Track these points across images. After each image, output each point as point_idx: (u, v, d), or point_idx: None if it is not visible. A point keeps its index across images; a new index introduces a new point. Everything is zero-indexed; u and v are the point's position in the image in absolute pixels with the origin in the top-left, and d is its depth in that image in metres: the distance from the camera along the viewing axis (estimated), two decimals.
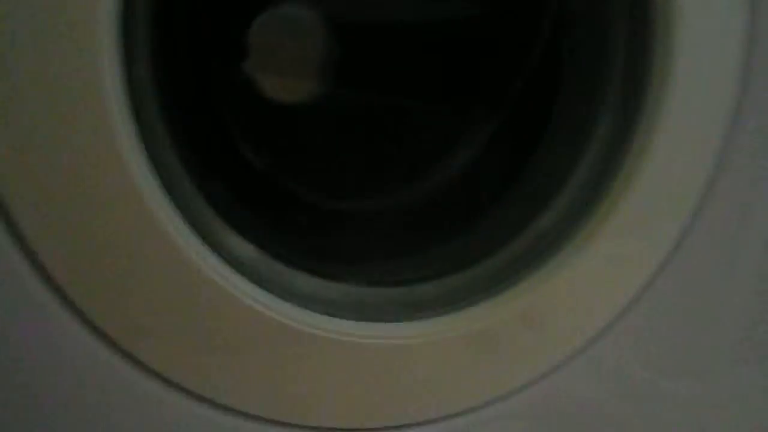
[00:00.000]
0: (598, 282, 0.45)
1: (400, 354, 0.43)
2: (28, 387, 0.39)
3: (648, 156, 0.43)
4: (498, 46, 0.53)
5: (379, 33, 0.55)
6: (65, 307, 0.38)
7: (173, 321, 0.39)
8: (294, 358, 0.41)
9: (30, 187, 0.36)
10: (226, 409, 0.41)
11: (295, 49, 0.55)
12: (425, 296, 0.46)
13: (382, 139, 0.55)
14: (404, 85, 0.55)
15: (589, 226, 0.44)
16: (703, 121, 0.44)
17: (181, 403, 0.41)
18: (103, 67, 0.35)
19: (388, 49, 0.55)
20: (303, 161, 0.54)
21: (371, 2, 0.55)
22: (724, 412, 0.50)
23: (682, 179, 0.45)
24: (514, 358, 0.45)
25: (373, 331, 0.43)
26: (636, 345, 0.47)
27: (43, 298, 0.38)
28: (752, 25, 0.42)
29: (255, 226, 0.45)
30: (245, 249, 0.41)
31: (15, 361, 0.39)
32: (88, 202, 0.37)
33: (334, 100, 0.55)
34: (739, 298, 0.48)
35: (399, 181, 0.54)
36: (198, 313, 0.39)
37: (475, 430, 0.45)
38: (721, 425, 0.51)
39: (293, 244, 0.46)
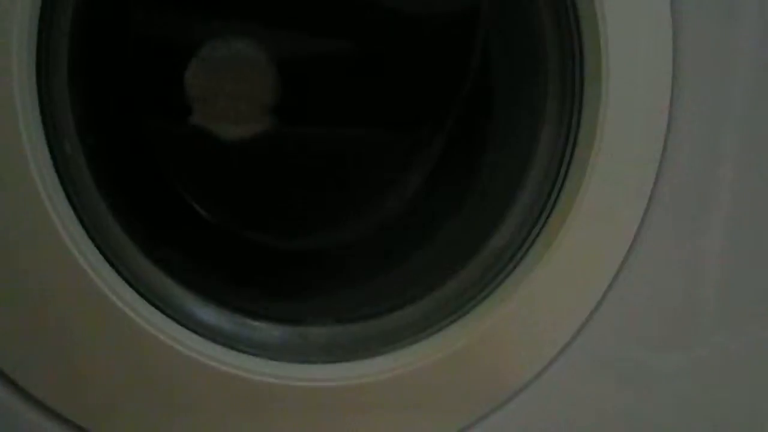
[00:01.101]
0: (562, 288, 0.45)
1: (380, 390, 0.43)
2: None
3: (592, 162, 0.43)
4: (432, 69, 0.53)
5: (317, 66, 0.54)
6: (18, 395, 0.37)
7: (137, 395, 0.38)
8: (274, 414, 0.40)
9: None
10: None
11: (231, 90, 0.55)
12: (393, 327, 0.46)
13: (330, 173, 0.55)
14: (345, 116, 0.54)
15: (543, 238, 0.44)
16: (643, 117, 0.44)
17: None
18: (26, 148, 0.34)
19: (327, 82, 0.54)
20: (251, 204, 0.53)
21: (306, 36, 0.54)
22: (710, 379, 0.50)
23: (633, 172, 0.45)
24: (492, 372, 0.45)
25: (347, 372, 0.42)
26: (612, 339, 0.47)
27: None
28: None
29: (210, 281, 0.44)
30: (205, 311, 0.41)
31: None
32: (31, 289, 0.36)
33: (278, 138, 0.55)
34: (702, 284, 0.48)
35: (351, 213, 0.54)
36: (162, 381, 0.39)
37: None
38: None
39: (251, 294, 0.46)
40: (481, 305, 0.45)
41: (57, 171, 0.36)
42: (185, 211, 0.52)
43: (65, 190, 0.36)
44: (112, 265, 0.38)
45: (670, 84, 0.44)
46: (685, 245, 0.47)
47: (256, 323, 0.43)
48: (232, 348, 0.40)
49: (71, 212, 0.36)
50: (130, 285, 0.38)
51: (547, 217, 0.45)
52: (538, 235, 0.44)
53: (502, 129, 0.51)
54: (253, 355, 0.41)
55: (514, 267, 0.45)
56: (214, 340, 0.40)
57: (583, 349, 0.46)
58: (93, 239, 0.37)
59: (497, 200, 0.47)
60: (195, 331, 0.40)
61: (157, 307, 0.39)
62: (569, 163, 0.44)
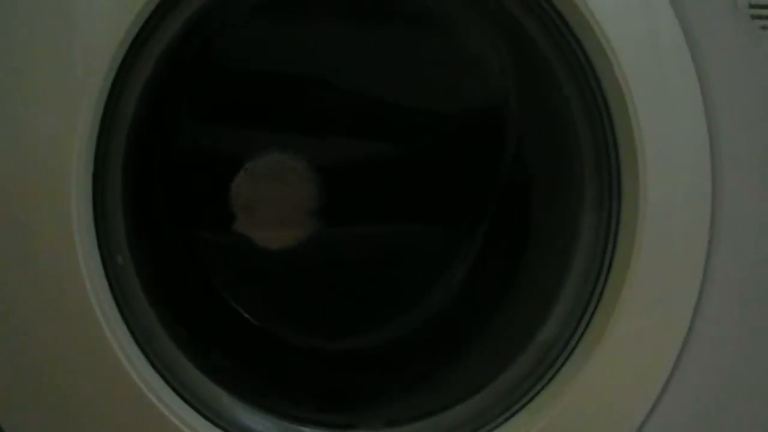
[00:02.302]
0: (618, 378, 0.43)
1: None
2: None
3: (637, 250, 0.42)
4: (468, 165, 0.54)
5: (357, 170, 0.56)
6: None
7: None
8: None
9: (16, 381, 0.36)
10: None
11: (275, 198, 0.56)
12: (446, 427, 0.45)
13: (374, 272, 0.55)
14: (387, 215, 0.55)
15: (594, 328, 0.43)
16: (686, 196, 0.44)
17: None
18: (80, 261, 0.36)
19: (368, 184, 0.56)
20: (298, 308, 0.54)
21: (344, 142, 0.56)
22: None
23: (681, 252, 0.44)
24: None
25: None
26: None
27: None
28: None
29: (259, 387, 0.44)
30: (254, 418, 0.40)
31: None
32: (80, 396, 0.36)
33: (322, 241, 0.56)
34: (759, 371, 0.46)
35: (396, 311, 0.54)
36: None
37: None
38: None
39: (300, 399, 0.45)
40: (535, 401, 0.43)
41: (109, 281, 0.37)
42: (232, 316, 0.53)
43: (116, 300, 0.37)
44: (160, 374, 0.38)
45: (710, 159, 0.43)
46: (744, 321, 0.45)
47: (306, 429, 0.42)
48: None
49: (122, 322, 0.37)
50: (178, 394, 0.38)
51: (596, 306, 0.43)
52: (588, 324, 0.43)
53: (543, 220, 0.51)
54: None
55: (566, 360, 0.43)
56: None
57: None
58: (142, 348, 0.38)
59: (543, 291, 0.47)
60: None
61: (205, 416, 0.38)
62: (614, 250, 0.44)
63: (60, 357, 0.36)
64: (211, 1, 0.39)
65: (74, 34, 0.35)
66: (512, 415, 0.43)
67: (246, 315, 0.53)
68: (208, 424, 0.38)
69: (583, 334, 0.43)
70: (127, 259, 0.38)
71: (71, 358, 0.36)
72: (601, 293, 0.43)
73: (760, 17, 0.44)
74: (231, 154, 0.55)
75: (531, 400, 0.43)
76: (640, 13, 0.43)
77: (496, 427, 0.43)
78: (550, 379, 0.43)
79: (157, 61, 0.38)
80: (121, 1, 0.35)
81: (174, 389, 0.38)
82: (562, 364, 0.43)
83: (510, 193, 0.53)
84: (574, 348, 0.43)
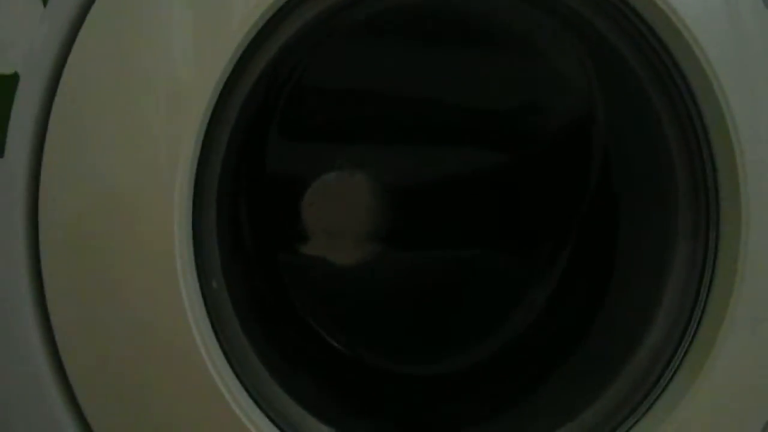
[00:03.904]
0: (721, 411, 0.41)
1: None
2: None
3: (739, 279, 0.40)
4: (549, 186, 0.53)
5: (440, 192, 0.56)
6: None
7: None
8: None
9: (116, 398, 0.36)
10: None
11: (355, 219, 0.56)
12: None
13: (452, 295, 0.54)
14: (465, 237, 0.55)
15: (693, 356, 0.41)
16: None
17: None
18: (182, 286, 0.36)
19: (442, 204, 0.55)
20: (377, 330, 0.53)
21: (423, 164, 0.56)
22: None
23: None
24: None
25: None
26: None
27: None
28: None
29: (341, 411, 0.43)
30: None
31: None
32: (172, 411, 0.37)
33: (398, 264, 0.55)
34: None
35: (476, 336, 0.53)
36: None
37: None
38: None
39: (377, 423, 0.45)
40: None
41: (205, 305, 0.37)
42: (314, 338, 0.53)
43: (211, 322, 0.37)
44: (251, 395, 0.38)
45: None
46: None
47: None
48: None
49: (216, 343, 0.37)
50: (266, 414, 0.38)
51: (693, 335, 0.42)
52: (685, 354, 0.42)
53: (629, 243, 0.49)
54: None
55: (662, 390, 0.42)
56: None
57: None
58: (234, 369, 0.38)
59: (635, 315, 0.45)
60: None
61: None
62: (712, 275, 0.42)
63: (155, 375, 0.37)
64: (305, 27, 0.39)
65: (174, 69, 0.35)
66: None
67: (325, 336, 0.53)
68: None
69: (680, 363, 0.41)
70: (221, 283, 0.39)
71: (167, 377, 0.37)
72: (700, 319, 0.41)
73: None
74: (308, 173, 0.56)
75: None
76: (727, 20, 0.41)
77: None
78: (647, 410, 0.41)
79: (254, 85, 0.38)
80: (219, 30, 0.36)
81: (261, 409, 0.38)
82: (659, 396, 0.41)
83: (595, 214, 0.51)
84: (672, 376, 0.41)
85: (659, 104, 0.42)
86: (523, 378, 0.50)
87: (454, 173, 0.56)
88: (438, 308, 0.54)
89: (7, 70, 0.34)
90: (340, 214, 0.57)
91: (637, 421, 0.42)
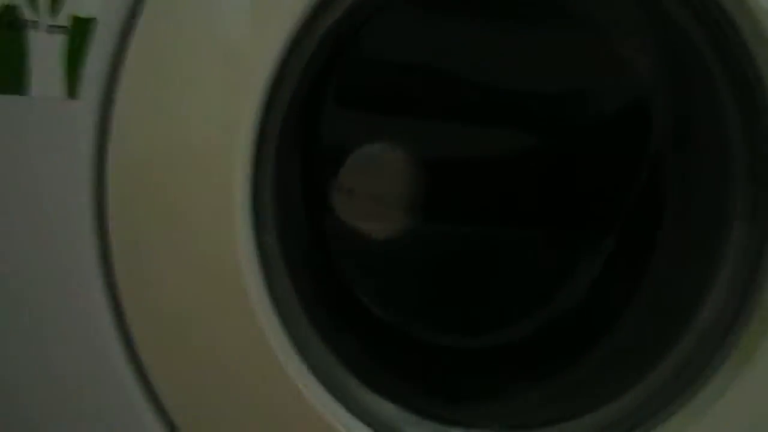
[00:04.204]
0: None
1: None
2: None
3: None
4: (597, 166, 0.53)
5: (469, 166, 0.56)
6: None
7: None
8: None
9: (175, 363, 0.37)
10: None
11: (388, 188, 0.57)
12: None
13: (500, 271, 0.54)
14: (507, 215, 0.55)
15: (738, 350, 0.41)
16: None
17: None
18: (237, 235, 0.37)
19: (481, 181, 0.55)
20: (421, 302, 0.54)
21: (477, 139, 0.56)
22: None
23: None
24: None
25: None
26: None
27: None
28: None
29: (385, 379, 0.44)
30: (384, 407, 0.40)
31: None
32: (226, 370, 0.37)
33: (447, 237, 0.55)
34: None
35: (518, 312, 0.53)
36: None
37: None
38: None
39: (422, 393, 0.45)
40: (666, 424, 0.41)
41: (260, 262, 0.38)
42: (357, 305, 0.53)
43: (265, 276, 0.38)
44: (300, 354, 0.39)
45: None
46: None
47: (433, 424, 0.42)
48: None
49: (268, 299, 0.38)
50: (313, 373, 0.39)
51: (746, 322, 0.41)
52: (733, 345, 0.41)
53: (677, 228, 0.49)
54: None
55: (706, 381, 0.41)
56: None
57: None
58: (285, 327, 0.38)
59: (681, 301, 0.45)
60: (370, 426, 0.39)
61: (339, 400, 0.39)
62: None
63: (206, 324, 0.37)
64: None
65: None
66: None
67: (370, 306, 0.53)
68: (341, 409, 0.39)
69: (728, 354, 0.41)
70: (274, 238, 0.39)
71: (218, 323, 0.37)
72: (751, 309, 0.41)
73: None
74: (353, 143, 0.56)
75: (662, 422, 0.42)
76: None
77: None
78: (687, 401, 0.41)
79: (317, 47, 0.39)
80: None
81: (309, 367, 0.39)
82: (701, 386, 0.41)
83: (646, 197, 0.51)
84: (718, 366, 0.41)
85: (722, 86, 0.42)
86: (564, 356, 0.49)
87: (504, 152, 0.56)
88: (481, 285, 0.54)
89: (86, 14, 0.35)
90: (383, 186, 0.57)
91: (676, 411, 0.42)
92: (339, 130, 0.55)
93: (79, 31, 0.35)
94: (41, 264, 0.36)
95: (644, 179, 0.51)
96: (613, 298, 0.51)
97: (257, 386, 0.37)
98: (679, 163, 0.50)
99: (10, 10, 0.35)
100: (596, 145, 0.54)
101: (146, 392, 0.37)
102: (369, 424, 0.40)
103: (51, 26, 0.35)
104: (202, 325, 0.37)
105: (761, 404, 0.40)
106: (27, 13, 0.35)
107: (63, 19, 0.35)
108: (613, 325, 0.49)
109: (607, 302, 0.52)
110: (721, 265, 0.43)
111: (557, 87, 0.54)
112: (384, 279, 0.55)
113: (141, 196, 0.35)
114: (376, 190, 0.57)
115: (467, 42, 0.53)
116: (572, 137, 0.55)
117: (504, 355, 0.52)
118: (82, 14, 0.35)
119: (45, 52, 0.35)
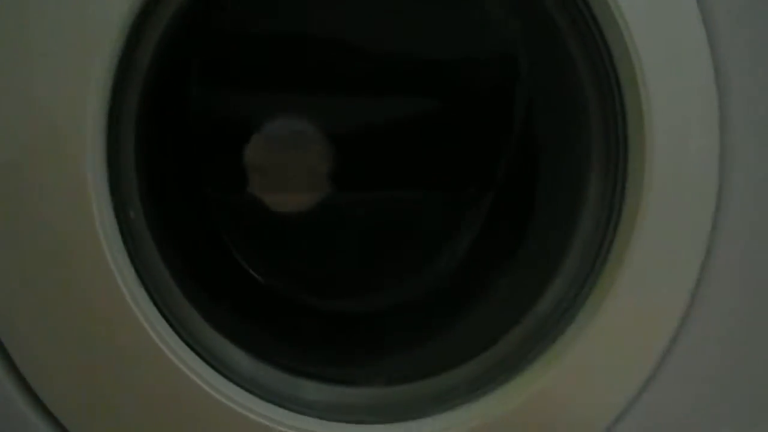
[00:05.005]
0: (617, 347, 0.44)
1: None
2: None
3: (642, 216, 0.42)
4: (476, 130, 0.55)
5: (366, 133, 0.57)
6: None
7: None
8: None
9: (34, 332, 0.37)
10: None
11: (287, 161, 0.57)
12: (444, 388, 0.46)
13: (380, 236, 0.56)
14: (395, 180, 0.56)
15: (594, 296, 0.44)
16: (694, 164, 0.43)
17: None
18: (94, 214, 0.37)
19: (378, 149, 0.56)
20: (305, 269, 0.55)
21: (351, 106, 0.57)
22: None
23: (686, 220, 0.44)
24: None
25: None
26: (673, 406, 0.45)
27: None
28: None
29: (259, 341, 0.45)
30: (257, 370, 0.41)
31: None
32: (95, 344, 0.38)
33: (330, 205, 0.57)
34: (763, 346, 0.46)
35: (400, 276, 0.55)
36: None
37: None
38: None
39: (300, 354, 0.47)
40: (533, 366, 0.44)
41: (122, 235, 0.38)
42: (240, 274, 0.54)
43: (129, 252, 0.38)
44: (169, 323, 0.39)
45: (718, 125, 0.43)
46: (749, 295, 0.45)
47: (307, 383, 0.43)
48: (283, 407, 0.41)
49: (134, 273, 0.38)
50: (185, 341, 0.40)
51: (599, 273, 0.44)
52: (589, 293, 0.44)
53: (550, 188, 0.51)
54: (304, 414, 0.41)
55: (566, 326, 0.44)
56: (266, 399, 0.40)
57: (641, 415, 0.44)
58: (154, 299, 0.39)
59: (548, 257, 0.47)
60: (248, 390, 0.41)
61: (211, 366, 0.40)
62: (618, 217, 0.44)
63: (73, 301, 0.38)
64: None
65: None
66: (510, 379, 0.44)
67: (253, 273, 0.54)
68: (214, 373, 0.40)
69: (585, 300, 0.44)
70: (139, 214, 0.40)
71: (86, 304, 0.38)
72: (605, 259, 0.43)
73: None
74: (244, 117, 0.56)
75: (530, 364, 0.44)
76: None
77: (492, 390, 0.44)
78: (549, 345, 0.44)
79: (170, 20, 0.39)
80: None
81: (181, 337, 0.40)
82: (563, 331, 0.44)
83: (518, 159, 0.53)
84: (575, 314, 0.43)
85: (575, 48, 0.44)
86: (442, 315, 0.52)
87: (386, 115, 0.57)
88: (366, 251, 0.56)
89: None
90: (275, 157, 0.57)
91: (545, 349, 0.44)
92: (237, 108, 0.55)
93: None
94: None
95: (517, 140, 0.54)
96: (492, 257, 0.54)
97: (111, 331, 0.38)
98: (547, 124, 0.52)
99: None
100: (473, 108, 0.55)
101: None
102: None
103: None
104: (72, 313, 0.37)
105: (615, 338, 0.43)
106: None
107: None
108: (491, 283, 0.51)
109: (486, 261, 0.54)
110: (583, 217, 0.46)
111: (436, 55, 0.55)
112: (273, 249, 0.56)
113: None
114: (260, 162, 0.57)
115: (343, 8, 0.53)
116: (452, 105, 0.56)
117: (389, 319, 0.54)
118: None
119: None
